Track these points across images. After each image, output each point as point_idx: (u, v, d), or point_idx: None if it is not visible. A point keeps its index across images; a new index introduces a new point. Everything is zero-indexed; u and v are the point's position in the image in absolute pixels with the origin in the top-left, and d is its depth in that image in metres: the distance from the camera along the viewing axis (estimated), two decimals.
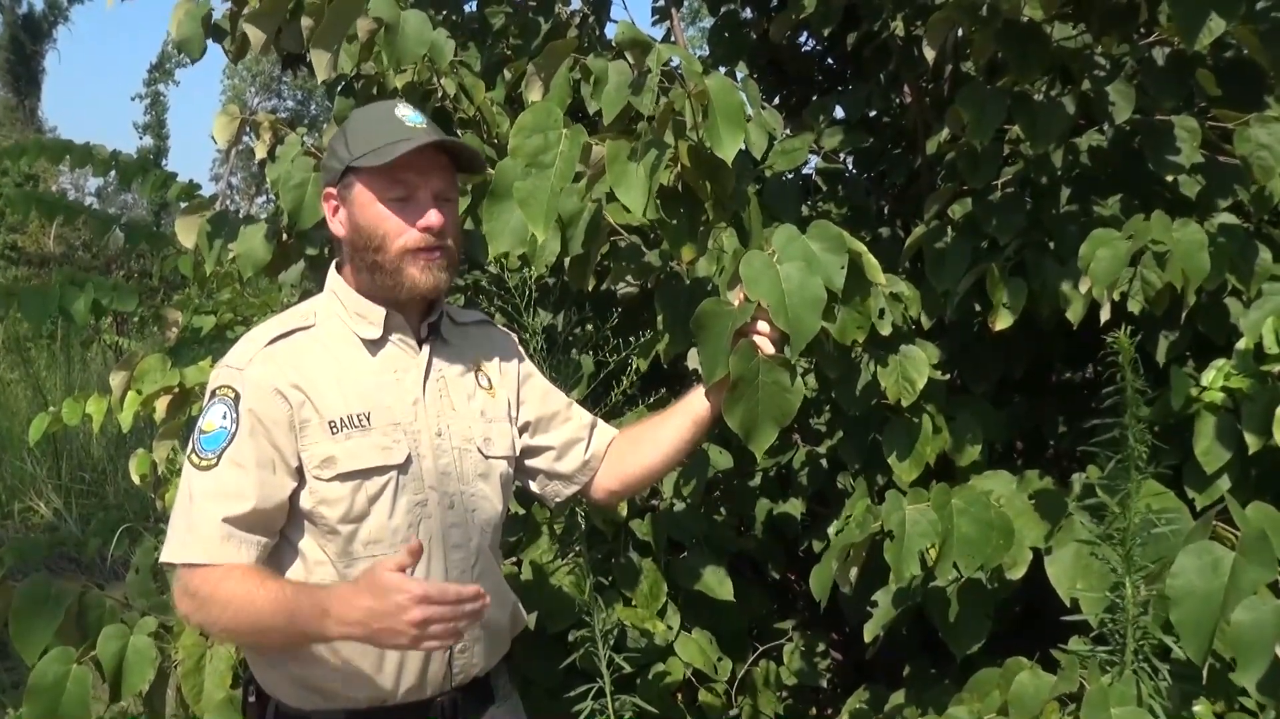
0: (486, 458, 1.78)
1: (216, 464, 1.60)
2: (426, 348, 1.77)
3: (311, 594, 1.54)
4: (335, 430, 1.64)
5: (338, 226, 1.73)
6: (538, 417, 1.90)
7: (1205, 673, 1.42)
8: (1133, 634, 1.53)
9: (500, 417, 1.83)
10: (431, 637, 1.43)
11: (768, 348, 1.77)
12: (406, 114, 1.68)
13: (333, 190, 1.73)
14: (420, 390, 1.73)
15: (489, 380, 1.84)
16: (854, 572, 1.92)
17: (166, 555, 1.61)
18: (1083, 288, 2.07)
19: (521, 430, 1.88)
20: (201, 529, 1.58)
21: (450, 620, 1.43)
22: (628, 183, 1.84)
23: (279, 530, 1.65)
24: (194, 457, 1.62)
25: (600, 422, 1.98)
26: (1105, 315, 2.04)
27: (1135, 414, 1.52)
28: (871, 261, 1.86)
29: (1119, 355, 1.52)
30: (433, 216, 1.66)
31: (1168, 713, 1.49)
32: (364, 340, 1.72)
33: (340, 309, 1.73)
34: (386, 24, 2.15)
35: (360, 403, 1.67)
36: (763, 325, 1.77)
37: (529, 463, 1.91)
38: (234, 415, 1.61)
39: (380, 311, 1.72)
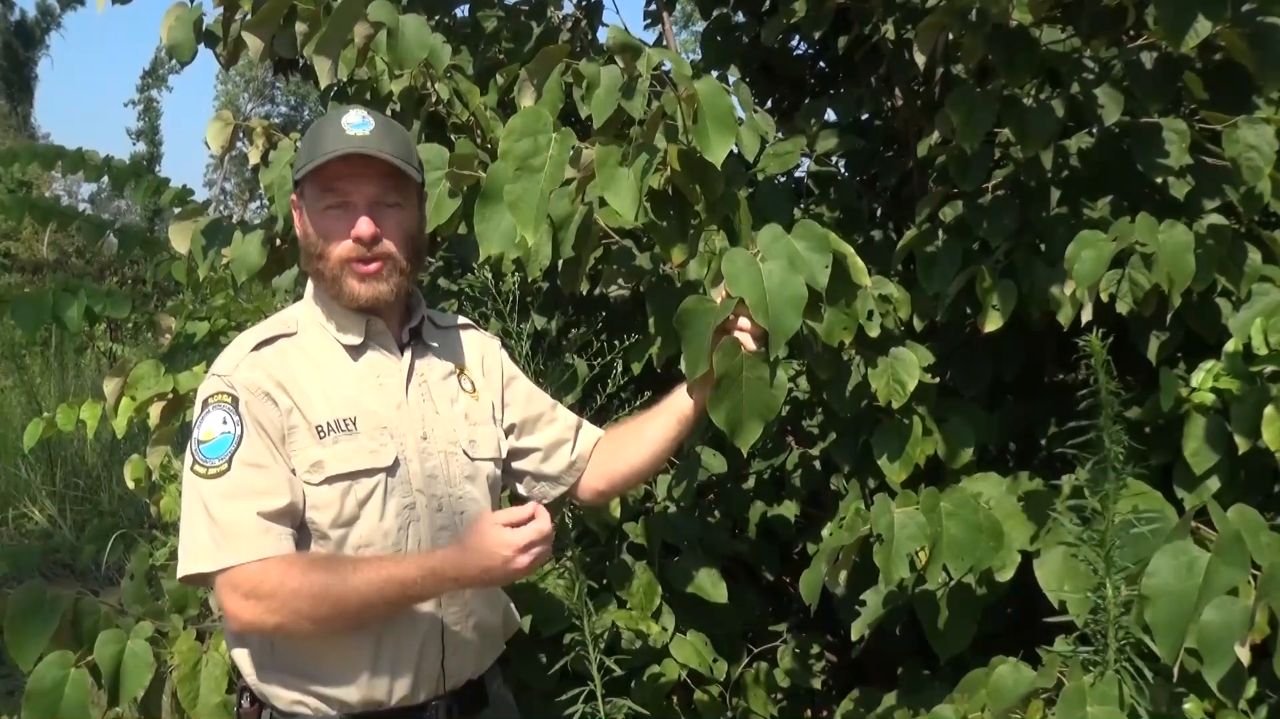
0: (472, 460, 1.78)
1: (228, 468, 1.59)
2: (408, 353, 1.77)
3: (420, 564, 1.59)
4: (322, 435, 1.64)
5: (300, 234, 1.75)
6: (523, 418, 1.90)
7: (1176, 671, 1.43)
8: (1114, 634, 1.54)
9: (484, 419, 1.84)
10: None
11: (750, 344, 1.77)
12: (352, 120, 1.66)
13: (294, 198, 1.75)
14: (403, 394, 1.74)
15: (472, 384, 1.85)
16: (843, 575, 1.93)
17: (197, 566, 1.59)
18: (1067, 289, 2.08)
19: (507, 433, 1.89)
20: (236, 529, 1.57)
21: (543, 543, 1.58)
22: (617, 187, 1.85)
23: (300, 526, 1.64)
24: (198, 468, 1.61)
25: (586, 422, 1.99)
26: (1087, 316, 2.05)
27: (1110, 416, 1.53)
28: (858, 264, 1.87)
29: (1092, 358, 1.53)
30: (362, 226, 1.65)
31: (1150, 713, 1.50)
32: (345, 347, 1.72)
33: (320, 316, 1.74)
34: (388, 27, 2.16)
35: (346, 407, 1.67)
36: (744, 322, 1.78)
37: (516, 465, 1.92)
38: (235, 419, 1.61)
39: (359, 318, 1.72)
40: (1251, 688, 1.87)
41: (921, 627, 2.18)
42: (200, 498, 1.60)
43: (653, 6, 3.49)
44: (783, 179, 2.82)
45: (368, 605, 1.57)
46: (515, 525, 1.57)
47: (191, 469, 1.62)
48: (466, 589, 1.68)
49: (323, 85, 2.16)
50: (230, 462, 1.59)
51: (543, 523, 1.59)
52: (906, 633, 2.47)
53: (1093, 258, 2.04)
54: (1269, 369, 1.98)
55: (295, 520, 1.62)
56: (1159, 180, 2.27)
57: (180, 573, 1.61)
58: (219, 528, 1.57)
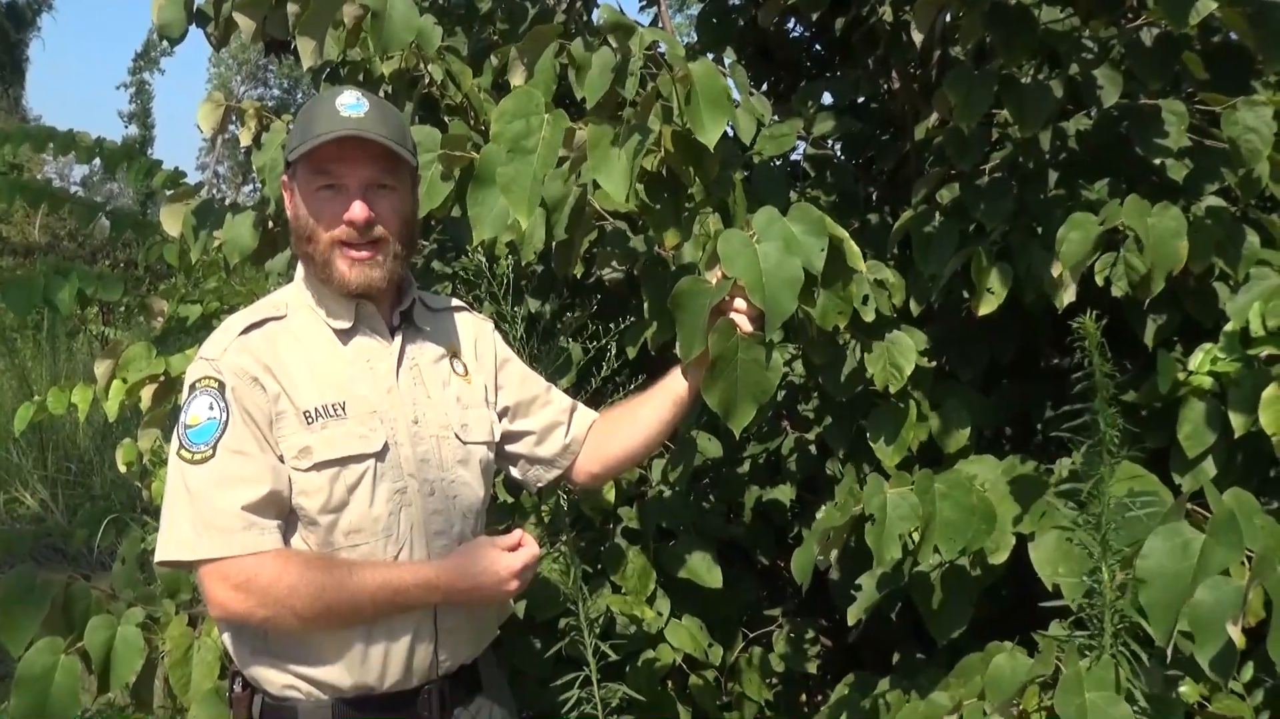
0: (465, 444, 1.77)
1: (213, 455, 1.57)
2: (399, 336, 1.76)
3: (415, 573, 1.64)
4: (310, 420, 1.63)
5: (290, 216, 1.73)
6: (516, 401, 1.89)
7: (1170, 653, 1.43)
8: (1110, 618, 1.53)
9: (477, 402, 1.82)
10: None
11: (745, 325, 1.76)
12: (347, 102, 1.64)
13: (285, 179, 1.73)
14: (394, 378, 1.72)
15: (464, 367, 1.84)
16: (834, 554, 1.92)
17: (178, 554, 1.58)
18: (1054, 270, 2.07)
19: (501, 416, 1.87)
20: (219, 521, 1.55)
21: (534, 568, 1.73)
22: (609, 168, 1.83)
23: (286, 516, 1.63)
24: (184, 452, 1.59)
25: (580, 405, 1.98)
26: (1070, 297, 2.04)
27: (1105, 399, 1.52)
28: (853, 248, 1.85)
29: (1086, 340, 1.52)
30: (356, 210, 1.63)
31: (1147, 696, 1.49)
32: (335, 330, 1.71)
33: (310, 299, 1.72)
34: (373, 10, 2.14)
35: (335, 392, 1.66)
36: (740, 303, 1.76)
37: (510, 448, 1.90)
38: (222, 404, 1.60)
39: (349, 302, 1.70)
40: (1248, 672, 1.87)
41: (917, 612, 2.18)
42: (184, 483, 1.58)
43: None
44: (779, 162, 2.81)
45: (359, 608, 1.59)
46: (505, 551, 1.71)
47: (177, 453, 1.60)
48: (465, 597, 1.69)
49: (305, 65, 2.13)
50: (215, 448, 1.58)
51: (532, 548, 1.72)
52: (902, 618, 2.46)
53: (1080, 239, 2.04)
54: (1266, 352, 1.98)
55: (281, 510, 1.61)
56: (1157, 162, 2.26)
57: (158, 557, 1.60)
58: (201, 517, 1.56)
